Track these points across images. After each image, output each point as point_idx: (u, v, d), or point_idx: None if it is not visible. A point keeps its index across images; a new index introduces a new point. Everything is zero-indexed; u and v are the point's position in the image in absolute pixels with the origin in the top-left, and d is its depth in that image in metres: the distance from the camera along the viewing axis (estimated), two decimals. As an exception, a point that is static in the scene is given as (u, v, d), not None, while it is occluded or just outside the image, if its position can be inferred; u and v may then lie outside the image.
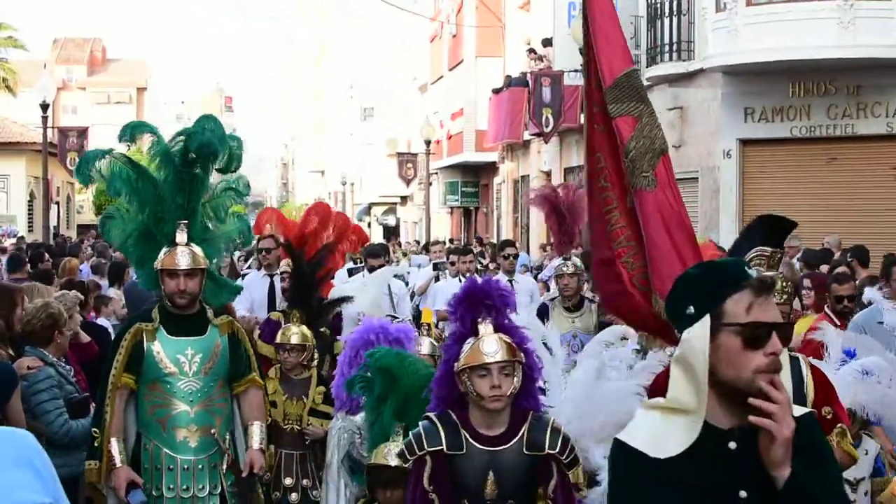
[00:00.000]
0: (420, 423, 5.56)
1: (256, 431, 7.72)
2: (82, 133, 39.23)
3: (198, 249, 7.53)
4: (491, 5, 40.86)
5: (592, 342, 8.01)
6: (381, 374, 6.41)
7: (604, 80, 6.34)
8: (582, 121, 23.13)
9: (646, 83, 25.24)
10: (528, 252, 31.47)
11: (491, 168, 43.07)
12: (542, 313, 11.17)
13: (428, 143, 42.42)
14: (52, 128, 39.26)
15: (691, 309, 3.39)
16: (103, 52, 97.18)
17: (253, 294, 12.96)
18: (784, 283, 6.26)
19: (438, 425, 5.46)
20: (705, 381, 3.35)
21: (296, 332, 9.11)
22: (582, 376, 7.20)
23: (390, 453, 6.07)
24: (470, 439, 5.42)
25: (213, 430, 7.47)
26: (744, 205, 22.39)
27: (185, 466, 7.45)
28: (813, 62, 20.20)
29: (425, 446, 5.44)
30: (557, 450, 5.49)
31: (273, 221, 14.07)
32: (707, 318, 3.36)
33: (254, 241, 13.12)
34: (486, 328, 5.46)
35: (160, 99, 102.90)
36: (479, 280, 5.68)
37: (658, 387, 5.54)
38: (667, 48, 24.07)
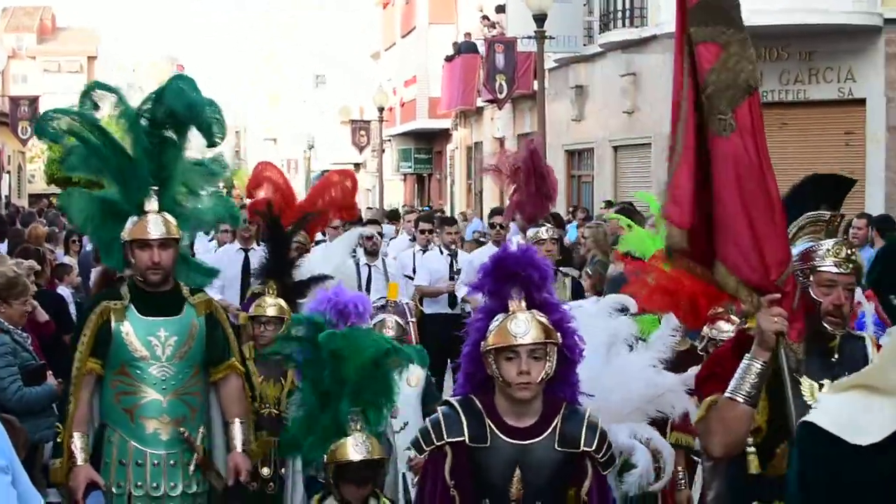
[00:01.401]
0: (440, 408, 4.96)
1: (239, 430, 6.91)
2: (33, 102, 38.98)
3: (171, 218, 6.70)
4: (444, -29, 40.76)
5: (593, 311, 6.82)
6: (333, 360, 5.73)
7: None
8: (542, 85, 23.02)
9: (598, 49, 25.45)
10: (481, 219, 31.50)
11: (444, 135, 42.99)
12: None
13: (381, 110, 42.34)
14: (3, 97, 38.94)
15: None
16: (53, 21, 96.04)
17: (224, 270, 11.49)
18: (850, 252, 5.15)
19: (461, 412, 4.83)
20: None
21: (272, 305, 8.21)
22: (588, 351, 6.34)
23: (356, 446, 5.53)
24: (496, 430, 4.79)
25: (181, 428, 6.65)
26: (696, 170, 22.44)
27: (156, 462, 6.63)
28: (765, 28, 20.26)
29: (445, 436, 4.80)
30: (594, 447, 4.86)
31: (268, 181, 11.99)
32: None
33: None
34: (517, 304, 4.82)
35: (111, 67, 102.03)
36: (513, 249, 5.04)
37: (720, 359, 5.02)
38: (619, 14, 24.11)
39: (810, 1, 19.95)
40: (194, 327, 6.78)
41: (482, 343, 4.81)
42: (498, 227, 13.89)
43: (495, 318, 4.82)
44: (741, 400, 4.61)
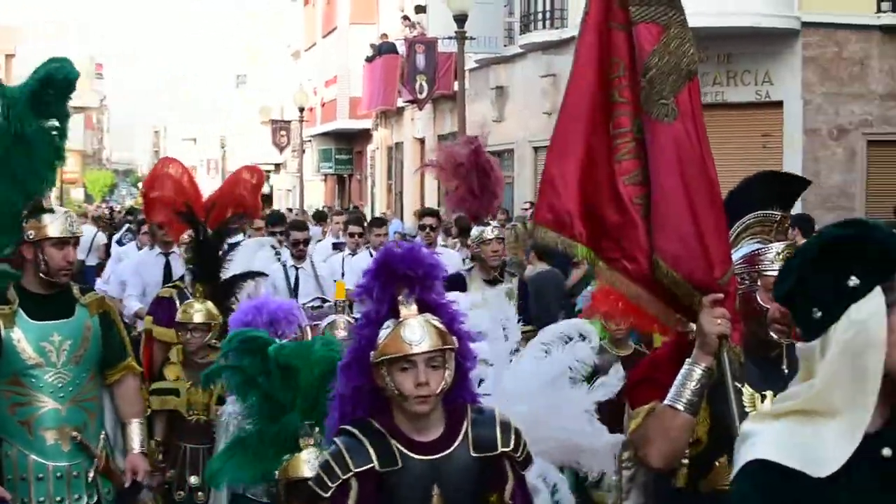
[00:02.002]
0: (336, 438, 4.35)
1: (136, 431, 6.65)
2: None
3: (73, 214, 6.41)
4: (364, -29, 40.64)
5: (547, 332, 6.35)
6: (283, 373, 5.35)
7: None
8: (463, 85, 22.92)
9: (519, 50, 25.46)
10: (401, 219, 31.41)
11: (365, 135, 42.87)
12: (457, 286, 9.38)
13: (301, 110, 42.21)
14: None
15: (854, 280, 2.68)
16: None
17: (145, 277, 11.44)
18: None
19: (361, 436, 4.27)
20: (879, 373, 2.65)
21: (200, 310, 7.84)
22: (532, 376, 5.95)
23: (309, 462, 5.08)
24: (404, 449, 4.26)
25: (75, 434, 6.28)
26: (615, 171, 22.52)
27: (59, 474, 6.25)
28: (684, 30, 20.39)
29: (351, 466, 4.22)
30: (511, 447, 4.43)
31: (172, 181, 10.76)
32: (880, 292, 2.67)
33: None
34: (408, 309, 4.30)
35: (30, 65, 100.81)
36: (399, 248, 4.41)
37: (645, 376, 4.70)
38: (540, 15, 24.13)
39: (728, 4, 20.06)
40: (88, 329, 6.43)
41: (372, 353, 4.27)
42: (428, 229, 13.10)
43: (385, 325, 4.29)
44: (682, 408, 4.30)
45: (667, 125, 4.63)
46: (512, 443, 4.42)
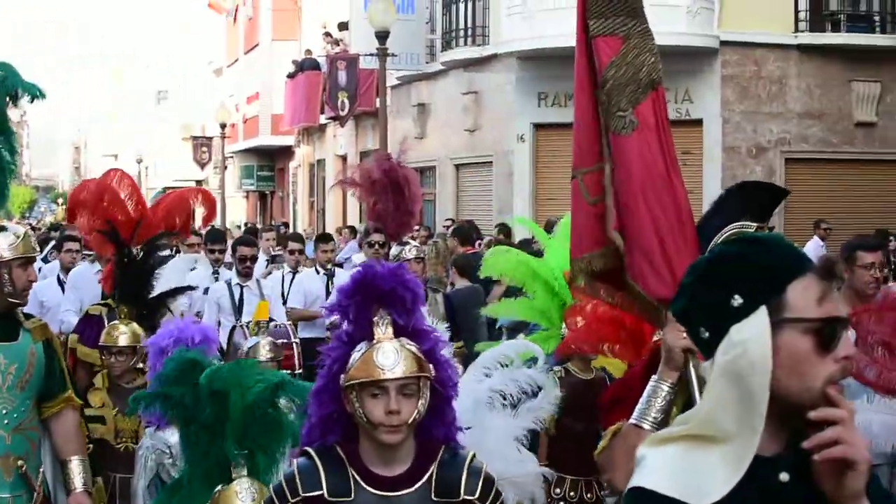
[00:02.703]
0: (296, 460, 4.11)
1: (78, 469, 6.23)
2: None
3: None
4: (287, -13, 40.49)
5: (487, 356, 6.12)
6: (214, 400, 4.89)
7: None
8: (385, 102, 22.76)
9: (441, 68, 25.45)
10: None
11: (287, 152, 42.68)
12: None
13: (223, 126, 41.87)
14: None
15: (738, 300, 2.51)
16: None
17: (82, 294, 10.89)
18: None
19: (318, 462, 3.99)
20: (765, 395, 2.49)
21: (124, 332, 7.40)
22: (467, 399, 5.58)
23: (240, 493, 4.67)
24: (360, 481, 3.97)
25: (21, 463, 5.98)
26: (537, 188, 22.60)
27: None
28: (604, 49, 20.48)
29: (300, 491, 3.95)
30: (477, 495, 4.04)
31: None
32: (764, 312, 2.50)
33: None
34: (383, 331, 4.01)
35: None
36: (379, 266, 4.09)
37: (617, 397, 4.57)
38: (462, 33, 24.15)
39: (648, 22, 20.14)
40: (32, 354, 6.13)
41: (342, 377, 3.99)
42: (377, 246, 12.10)
43: (357, 348, 4.01)
44: (648, 427, 4.10)
45: (625, 137, 4.51)
46: (478, 491, 4.06)
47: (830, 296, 2.51)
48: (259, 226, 33.68)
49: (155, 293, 8.25)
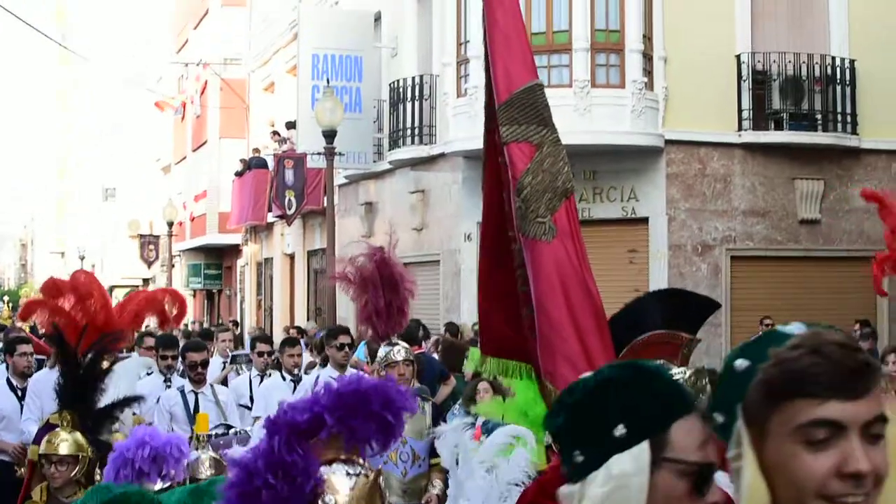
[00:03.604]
0: None
1: None
2: None
3: None
4: (235, 87, 40.57)
5: (484, 450, 5.84)
6: None
7: (498, 95, 4.98)
8: (332, 201, 22.85)
9: (388, 166, 25.50)
10: (270, 332, 31.06)
11: (234, 250, 42.55)
12: None
13: (171, 224, 41.78)
14: None
15: (621, 430, 2.38)
16: None
17: (44, 402, 10.13)
18: (705, 383, 4.31)
19: None
20: None
21: (66, 440, 6.92)
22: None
23: None
24: None
25: None
26: (485, 287, 22.53)
27: None
28: (550, 148, 20.59)
29: None
30: None
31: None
32: (646, 447, 2.38)
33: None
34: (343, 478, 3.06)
35: None
36: (364, 377, 3.28)
37: None
38: (409, 132, 24.23)
39: (593, 122, 20.34)
40: None
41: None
42: (346, 349, 11.44)
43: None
44: None
45: (545, 244, 4.59)
46: None
47: (710, 440, 2.41)
48: (206, 325, 33.48)
49: (104, 400, 7.71)
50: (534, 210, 4.65)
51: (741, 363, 2.37)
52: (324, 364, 13.08)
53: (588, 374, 2.56)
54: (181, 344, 12.96)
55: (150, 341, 13.00)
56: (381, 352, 9.89)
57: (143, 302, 10.72)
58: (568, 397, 2.49)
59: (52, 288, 9.89)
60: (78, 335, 8.70)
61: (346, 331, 11.99)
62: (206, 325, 38.92)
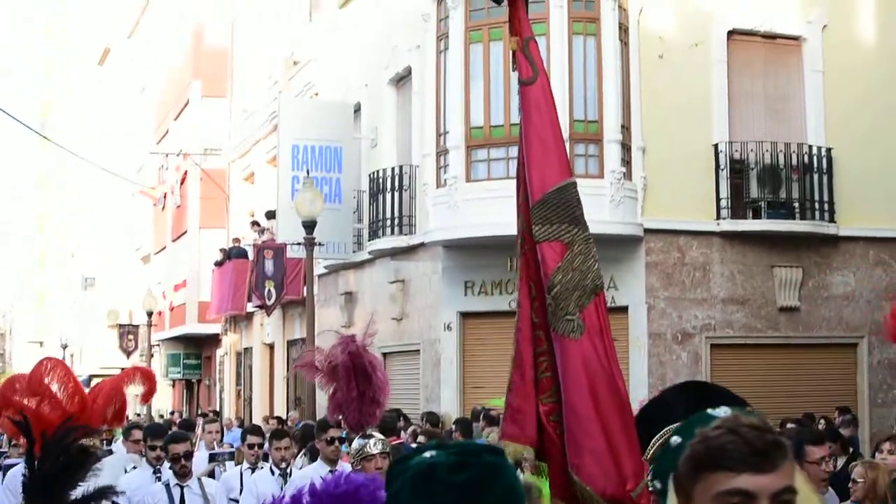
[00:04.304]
0: None
1: None
2: None
3: None
4: (215, 177, 40.71)
5: None
6: None
7: (531, 195, 5.20)
8: (312, 291, 22.79)
9: (368, 256, 25.53)
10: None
11: (214, 340, 42.44)
12: None
13: (150, 314, 41.67)
14: None
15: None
16: None
17: (20, 498, 9.72)
18: None
19: None
20: None
21: None
22: None
23: None
24: None
25: None
26: (464, 376, 22.51)
27: None
28: (529, 237, 20.64)
29: None
30: None
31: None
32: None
33: None
34: None
35: None
36: (351, 475, 3.25)
37: None
38: (388, 222, 24.28)
39: (572, 211, 20.37)
40: None
41: None
42: (336, 443, 10.95)
43: None
44: None
45: (573, 341, 4.70)
46: None
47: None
48: (185, 415, 33.28)
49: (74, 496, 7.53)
50: (563, 307, 4.77)
51: (675, 440, 2.90)
52: (311, 457, 12.90)
53: None
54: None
55: (138, 434, 12.67)
56: (356, 444, 9.61)
57: (109, 391, 10.49)
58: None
59: (10, 385, 9.62)
60: (46, 427, 8.47)
61: (337, 424, 11.28)
62: (185, 415, 38.70)
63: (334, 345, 10.45)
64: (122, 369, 48.16)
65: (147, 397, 11.60)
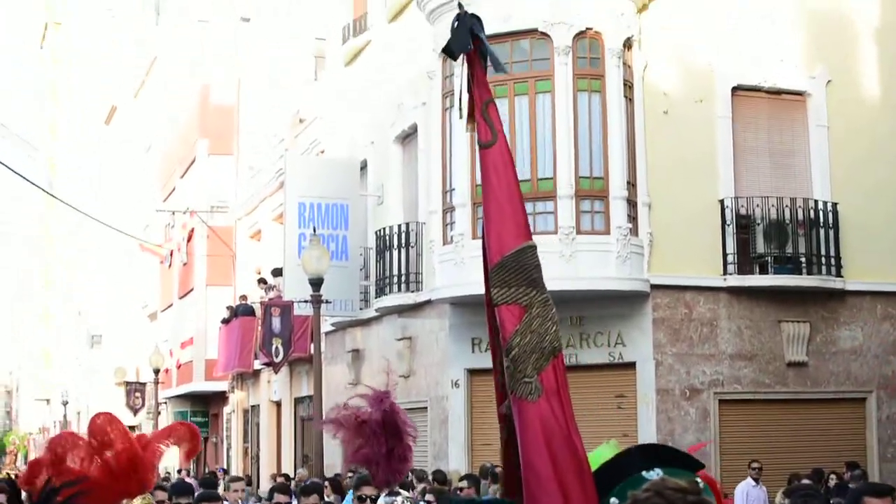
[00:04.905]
0: None
1: None
2: None
3: None
4: (222, 234, 40.81)
5: None
6: None
7: (490, 257, 5.22)
8: (319, 348, 22.82)
9: (375, 314, 25.53)
10: (258, 485, 30.83)
11: (221, 397, 42.41)
12: None
13: (157, 371, 41.65)
14: None
15: None
16: None
17: None
18: None
19: None
20: None
21: None
22: None
23: None
24: None
25: None
26: (472, 434, 22.45)
27: None
28: (536, 294, 20.62)
29: None
30: None
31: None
32: None
33: None
34: None
35: None
36: None
37: None
38: (395, 279, 24.30)
39: (579, 268, 20.42)
40: None
41: None
42: (368, 501, 10.79)
43: None
44: None
45: (531, 403, 4.73)
46: None
47: None
48: (192, 473, 33.18)
49: None
50: (521, 370, 4.78)
51: (614, 501, 3.56)
52: None
53: None
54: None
55: (162, 495, 12.19)
56: (383, 501, 9.76)
57: (161, 435, 10.30)
58: None
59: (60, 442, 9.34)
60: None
61: (369, 482, 10.80)
62: (192, 472, 38.56)
63: (366, 400, 10.30)
64: (130, 427, 48.18)
65: (191, 454, 11.44)
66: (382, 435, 9.77)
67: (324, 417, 11.70)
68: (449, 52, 5.53)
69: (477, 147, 5.65)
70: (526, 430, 4.75)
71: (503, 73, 5.76)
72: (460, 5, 5.74)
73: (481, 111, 5.46)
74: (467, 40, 5.39)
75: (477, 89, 5.46)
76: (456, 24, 5.50)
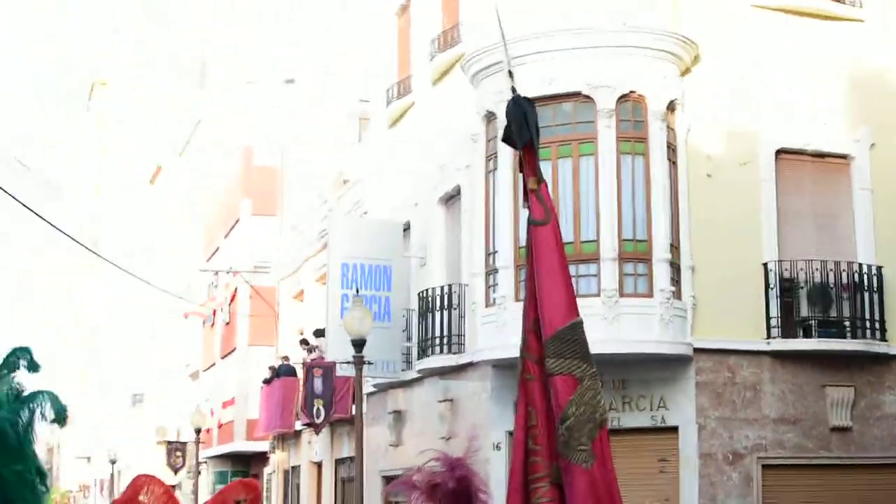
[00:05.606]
0: None
1: None
2: None
3: None
4: (265, 294, 40.99)
5: None
6: None
7: (544, 328, 5.57)
8: (361, 410, 22.91)
9: (416, 375, 25.53)
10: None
11: (261, 458, 42.42)
12: None
13: (198, 431, 41.72)
14: None
15: None
16: None
17: None
18: None
19: None
20: None
21: None
22: None
23: None
24: None
25: None
26: (514, 497, 22.30)
27: None
28: (579, 357, 20.56)
29: None
30: None
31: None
32: None
33: None
34: None
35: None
36: None
37: None
38: (437, 341, 24.31)
39: (622, 331, 20.38)
40: None
41: None
42: None
43: None
44: None
45: (585, 470, 5.10)
46: None
47: None
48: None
49: None
50: (576, 438, 5.15)
51: None
52: None
53: None
54: None
55: None
56: None
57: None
58: None
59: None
60: None
61: None
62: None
63: (442, 464, 10.24)
64: (171, 486, 48.22)
65: None
66: (456, 501, 9.76)
67: (403, 480, 11.54)
68: (508, 140, 5.79)
69: (526, 219, 5.99)
70: (576, 496, 5.05)
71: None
72: (510, 74, 5.89)
73: (535, 191, 5.73)
74: (527, 132, 5.66)
75: (529, 170, 5.75)
76: (511, 104, 5.71)
